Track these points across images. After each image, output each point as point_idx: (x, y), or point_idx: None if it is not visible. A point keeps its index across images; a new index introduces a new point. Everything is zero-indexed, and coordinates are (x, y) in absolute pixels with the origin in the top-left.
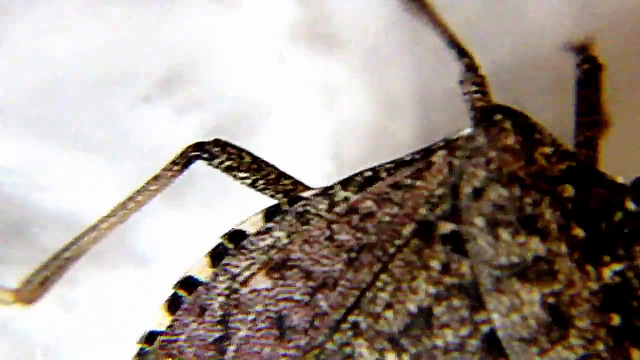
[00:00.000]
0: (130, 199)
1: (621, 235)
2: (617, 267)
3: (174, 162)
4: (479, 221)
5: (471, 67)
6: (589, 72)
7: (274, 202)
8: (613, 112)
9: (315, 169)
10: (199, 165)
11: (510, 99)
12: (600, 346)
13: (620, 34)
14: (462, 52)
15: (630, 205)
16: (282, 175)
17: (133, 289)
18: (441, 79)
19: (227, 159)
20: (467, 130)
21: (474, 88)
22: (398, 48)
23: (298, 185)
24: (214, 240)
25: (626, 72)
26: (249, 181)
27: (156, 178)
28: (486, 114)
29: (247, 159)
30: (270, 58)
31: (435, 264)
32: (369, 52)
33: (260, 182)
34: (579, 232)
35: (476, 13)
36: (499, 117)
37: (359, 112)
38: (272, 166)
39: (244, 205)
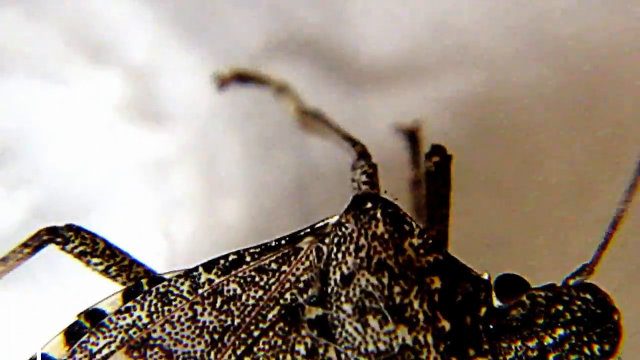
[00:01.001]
0: None
1: (486, 331)
2: None
3: (24, 245)
4: (347, 307)
5: (363, 155)
6: (440, 164)
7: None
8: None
9: (146, 246)
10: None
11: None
12: None
13: (447, 116)
14: (353, 141)
15: (496, 302)
16: (135, 262)
17: None
18: (269, 158)
19: (81, 244)
20: (336, 218)
21: (364, 178)
22: (228, 126)
23: (150, 274)
24: (65, 317)
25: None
26: (101, 267)
27: (4, 259)
28: (357, 202)
29: (101, 244)
30: (100, 134)
31: (300, 348)
32: (199, 129)
33: (113, 268)
34: (445, 323)
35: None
36: (369, 205)
37: (188, 189)
38: (125, 253)
39: (78, 287)
